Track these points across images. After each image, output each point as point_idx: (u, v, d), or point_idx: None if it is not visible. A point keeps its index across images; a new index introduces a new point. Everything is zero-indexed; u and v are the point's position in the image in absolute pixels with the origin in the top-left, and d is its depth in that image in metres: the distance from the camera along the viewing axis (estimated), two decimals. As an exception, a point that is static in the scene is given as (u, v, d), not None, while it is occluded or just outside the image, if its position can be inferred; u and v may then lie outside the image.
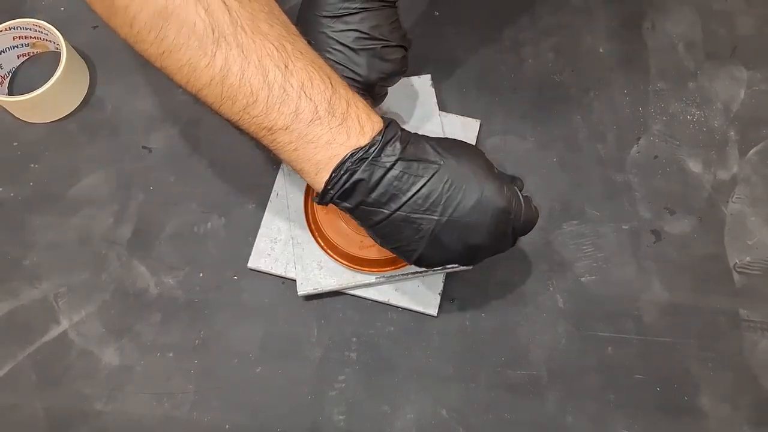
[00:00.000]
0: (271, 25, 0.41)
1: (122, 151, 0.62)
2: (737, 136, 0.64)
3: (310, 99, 0.40)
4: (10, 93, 0.66)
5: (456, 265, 0.55)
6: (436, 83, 0.63)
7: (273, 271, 0.57)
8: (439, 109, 0.61)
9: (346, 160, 0.40)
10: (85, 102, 0.65)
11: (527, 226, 0.45)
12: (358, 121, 0.41)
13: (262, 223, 0.58)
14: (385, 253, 0.54)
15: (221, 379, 0.55)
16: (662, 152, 0.63)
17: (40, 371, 0.55)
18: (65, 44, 0.61)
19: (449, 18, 0.69)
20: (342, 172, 0.41)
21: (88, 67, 0.66)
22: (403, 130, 0.43)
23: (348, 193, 0.42)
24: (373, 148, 0.40)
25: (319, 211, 0.56)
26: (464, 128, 0.62)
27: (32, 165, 0.62)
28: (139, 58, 0.42)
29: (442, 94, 0.64)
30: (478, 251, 0.44)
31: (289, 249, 0.57)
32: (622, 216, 0.61)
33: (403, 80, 0.52)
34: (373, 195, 0.42)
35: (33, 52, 0.67)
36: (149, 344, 0.56)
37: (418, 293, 0.56)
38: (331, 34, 0.46)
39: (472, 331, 0.56)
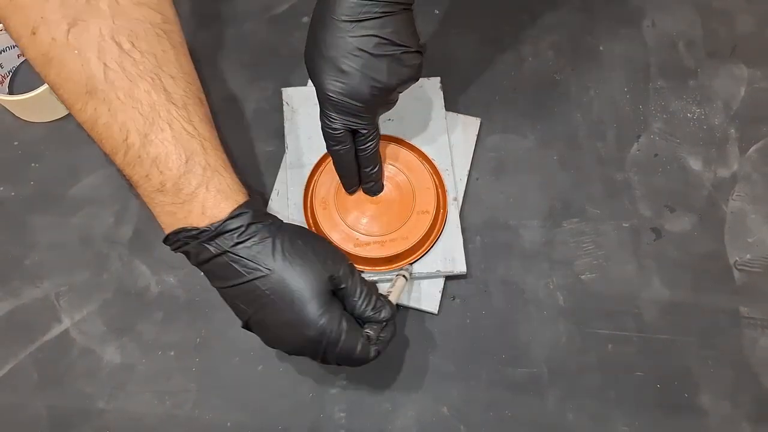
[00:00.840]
0: (148, 92, 0.43)
1: (123, 150, 0.63)
2: (737, 133, 0.64)
3: (161, 172, 0.43)
4: (11, 92, 0.66)
5: (451, 271, 0.56)
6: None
7: (273, 270, 0.57)
8: (440, 108, 0.62)
9: (179, 232, 0.43)
10: (86, 101, 0.65)
11: (342, 361, 0.45)
12: (202, 206, 0.43)
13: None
14: (383, 252, 0.54)
15: (222, 378, 0.55)
16: (662, 150, 0.63)
17: (42, 370, 0.55)
18: (66, 43, 0.61)
19: (449, 17, 0.69)
20: (174, 239, 0.44)
21: (88, 67, 0.66)
22: (252, 225, 0.43)
23: (184, 255, 0.45)
24: (203, 234, 0.43)
25: (318, 207, 0.56)
26: (464, 127, 0.62)
27: (33, 164, 0.62)
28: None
29: (442, 93, 0.64)
30: (289, 353, 0.47)
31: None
32: (623, 214, 0.61)
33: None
34: (203, 267, 0.45)
35: (33, 52, 0.67)
36: (150, 343, 0.56)
37: (419, 291, 0.56)
38: (350, 40, 0.45)
39: (473, 328, 0.56)
